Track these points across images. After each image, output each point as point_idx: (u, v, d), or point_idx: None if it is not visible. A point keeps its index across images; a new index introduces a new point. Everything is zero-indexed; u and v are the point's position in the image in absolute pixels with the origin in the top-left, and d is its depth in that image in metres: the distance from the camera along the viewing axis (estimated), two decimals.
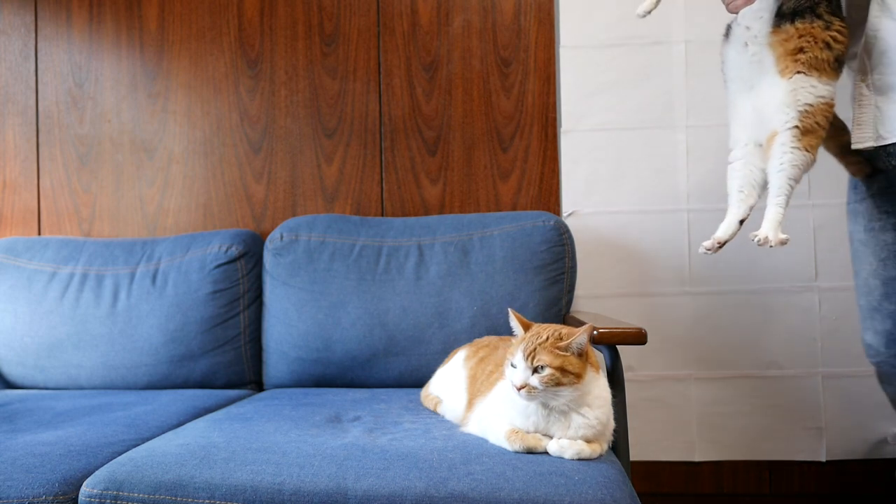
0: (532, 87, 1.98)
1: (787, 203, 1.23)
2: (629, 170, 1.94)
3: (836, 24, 1.23)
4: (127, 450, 1.19)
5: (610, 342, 1.27)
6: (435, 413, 1.33)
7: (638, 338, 1.24)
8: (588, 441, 1.03)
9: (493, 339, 1.39)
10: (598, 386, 1.06)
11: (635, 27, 1.93)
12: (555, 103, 1.97)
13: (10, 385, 1.86)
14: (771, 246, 1.21)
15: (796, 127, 1.21)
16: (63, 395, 1.66)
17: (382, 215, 2.01)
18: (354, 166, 2.02)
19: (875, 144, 1.24)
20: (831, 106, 1.23)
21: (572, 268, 1.76)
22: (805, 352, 1.87)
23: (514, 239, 1.73)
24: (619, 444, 1.18)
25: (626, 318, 1.89)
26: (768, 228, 1.21)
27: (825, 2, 1.24)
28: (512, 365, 1.03)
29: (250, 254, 1.86)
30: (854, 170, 1.41)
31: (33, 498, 1.04)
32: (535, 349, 1.00)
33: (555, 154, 1.97)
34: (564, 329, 1.05)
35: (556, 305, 1.71)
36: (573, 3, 1.96)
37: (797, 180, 1.23)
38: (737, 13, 1.29)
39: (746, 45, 1.29)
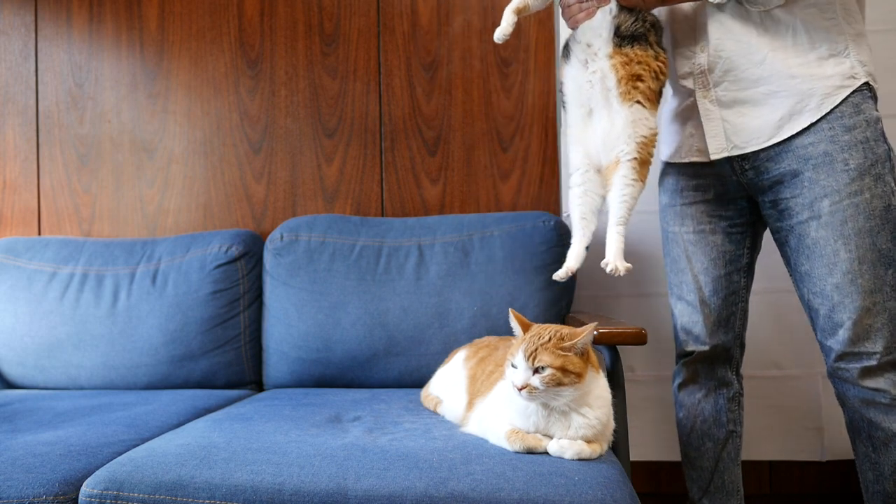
0: (532, 87, 1.98)
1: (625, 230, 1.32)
2: None
3: (662, 55, 1.32)
4: (127, 450, 1.19)
5: (610, 342, 1.28)
6: (435, 413, 1.33)
7: (638, 338, 1.25)
8: (588, 441, 1.03)
9: (493, 339, 1.39)
10: (598, 386, 1.06)
11: None
12: (555, 103, 1.97)
13: (10, 385, 1.86)
14: (620, 274, 1.28)
15: (635, 159, 1.29)
16: (63, 395, 1.66)
17: (382, 215, 2.01)
18: (354, 166, 2.02)
19: (731, 154, 1.34)
20: (657, 135, 1.32)
21: None
22: (805, 352, 1.87)
23: (514, 239, 1.74)
24: (619, 444, 1.18)
25: (626, 318, 1.90)
26: (616, 257, 1.30)
27: (653, 31, 1.31)
28: (513, 365, 1.03)
29: (250, 254, 1.86)
30: None
31: (33, 498, 1.04)
32: (536, 349, 1.00)
33: (555, 154, 1.97)
34: (565, 329, 1.05)
35: (556, 305, 1.71)
36: None
37: (633, 209, 1.33)
38: (577, 28, 1.34)
39: (587, 63, 1.33)
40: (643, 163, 1.30)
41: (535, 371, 1.00)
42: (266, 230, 2.00)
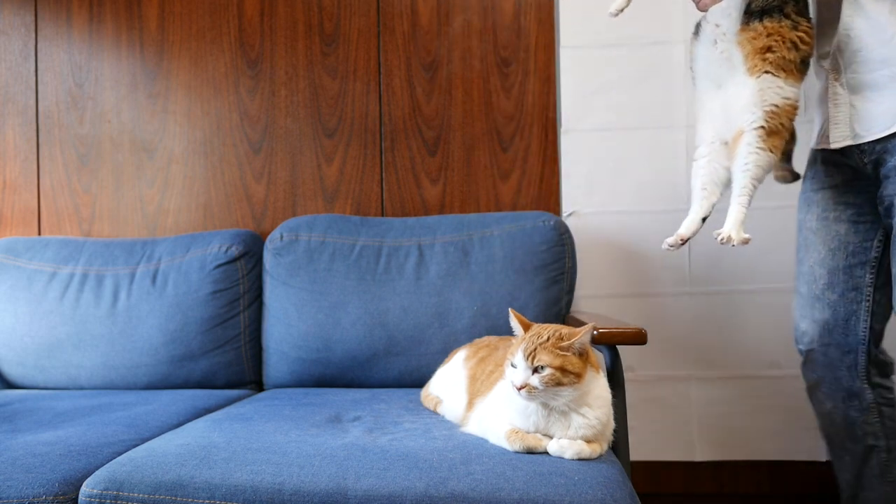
0: (532, 87, 1.98)
1: (750, 203, 1.24)
2: (629, 170, 1.94)
3: (804, 24, 1.24)
4: (127, 450, 1.19)
5: (610, 342, 1.27)
6: (435, 413, 1.33)
7: (638, 338, 1.24)
8: (588, 441, 1.03)
9: (493, 339, 1.39)
10: (598, 386, 1.06)
11: (635, 27, 1.93)
12: (555, 103, 1.97)
13: (10, 385, 1.86)
14: (733, 245, 1.22)
15: (762, 127, 1.22)
16: (63, 395, 1.66)
17: (382, 215, 2.01)
18: (354, 166, 2.02)
19: (853, 143, 1.25)
20: (796, 108, 1.25)
21: (572, 268, 1.76)
22: None
23: (514, 239, 1.73)
24: (619, 444, 1.17)
25: (626, 318, 1.89)
26: (731, 227, 1.23)
27: (792, 2, 1.25)
28: (512, 365, 1.03)
29: (250, 254, 1.86)
30: (780, 175, 1.45)
31: (33, 498, 1.04)
32: (535, 349, 1.00)
33: (555, 154, 1.97)
34: (565, 329, 1.05)
35: (556, 305, 1.71)
36: (573, 3, 1.96)
37: (760, 180, 1.25)
38: (705, 11, 1.31)
39: (716, 42, 1.30)
40: (772, 132, 1.22)
41: (535, 371, 1.00)
42: (266, 230, 2.00)
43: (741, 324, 1.89)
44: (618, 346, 1.30)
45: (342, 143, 2.02)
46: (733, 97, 1.27)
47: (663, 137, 1.92)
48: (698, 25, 1.35)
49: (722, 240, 1.22)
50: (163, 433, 1.29)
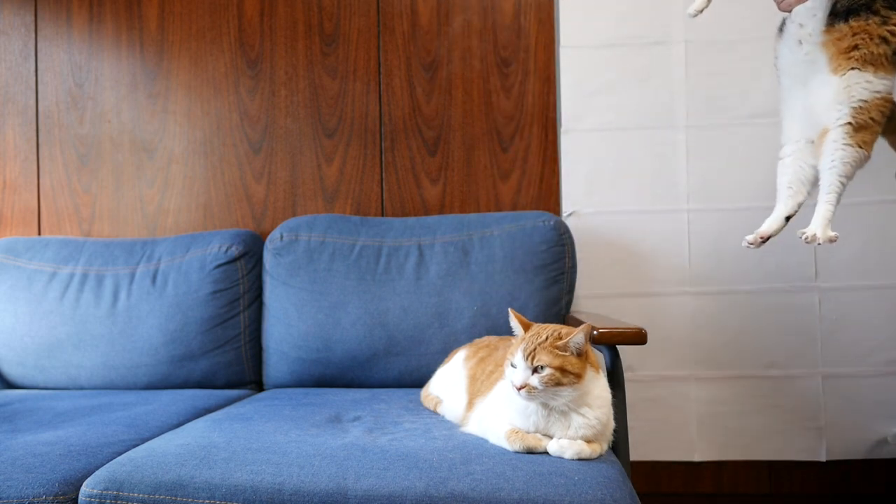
0: (532, 87, 1.98)
1: (838, 200, 1.22)
2: (629, 170, 1.94)
3: (894, 18, 1.22)
4: (127, 450, 1.19)
5: (610, 342, 1.28)
6: (435, 413, 1.34)
7: (638, 338, 1.25)
8: (588, 441, 1.03)
9: (493, 339, 1.39)
10: (598, 386, 1.06)
11: (635, 27, 1.93)
12: (555, 103, 1.97)
13: (10, 385, 1.86)
14: (819, 243, 1.20)
15: (849, 123, 1.20)
16: (63, 395, 1.66)
17: (382, 215, 2.01)
18: (354, 166, 2.02)
19: None
20: (888, 101, 1.23)
21: (572, 268, 1.76)
22: (805, 352, 1.87)
23: (514, 239, 1.74)
24: (619, 444, 1.18)
25: (626, 318, 1.89)
26: (817, 226, 1.21)
27: None
28: (512, 365, 1.03)
29: (250, 254, 1.86)
30: None
31: (33, 498, 1.04)
32: (534, 349, 1.01)
33: (555, 154, 1.97)
34: (564, 329, 1.05)
35: (556, 305, 1.71)
36: (573, 3, 1.96)
37: (849, 177, 1.22)
38: (789, 11, 1.28)
39: (800, 42, 1.28)
40: (860, 128, 1.20)
41: (534, 371, 1.00)
42: (266, 230, 2.00)
43: (741, 324, 1.89)
44: (618, 346, 1.30)
45: (342, 143, 2.02)
46: (817, 96, 1.25)
47: (663, 137, 1.92)
48: (782, 23, 1.33)
49: (807, 239, 1.20)
50: (163, 433, 1.29)
